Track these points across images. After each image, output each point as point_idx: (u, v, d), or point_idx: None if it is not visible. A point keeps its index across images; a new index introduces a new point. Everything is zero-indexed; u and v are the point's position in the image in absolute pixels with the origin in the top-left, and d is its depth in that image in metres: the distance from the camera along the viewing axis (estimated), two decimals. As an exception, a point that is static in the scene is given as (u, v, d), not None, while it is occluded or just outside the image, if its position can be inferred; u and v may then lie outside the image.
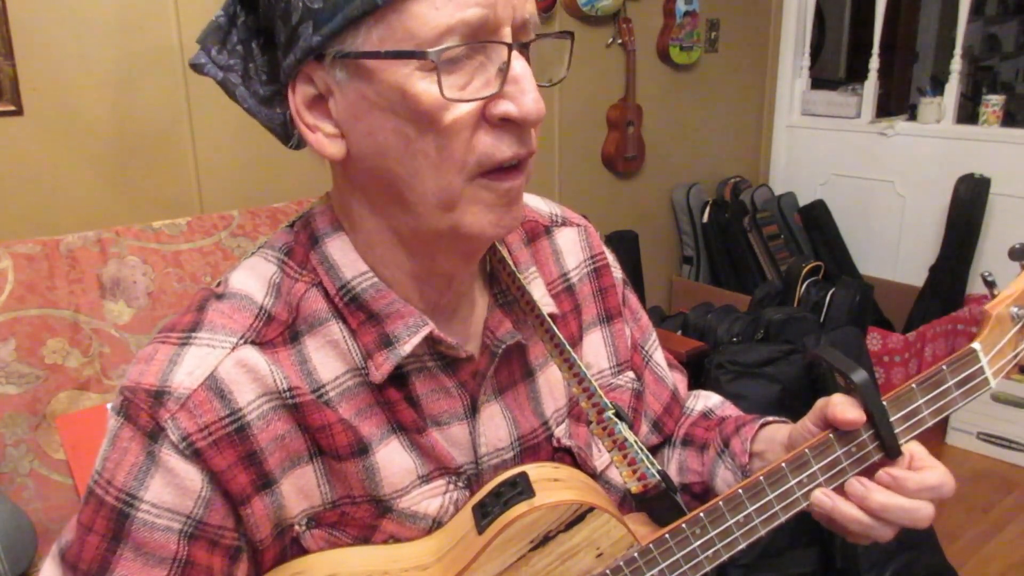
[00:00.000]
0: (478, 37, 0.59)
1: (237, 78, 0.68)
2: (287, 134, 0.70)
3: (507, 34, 0.60)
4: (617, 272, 0.89)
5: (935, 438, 2.86)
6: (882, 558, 1.96)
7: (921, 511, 0.69)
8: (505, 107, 0.60)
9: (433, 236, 0.66)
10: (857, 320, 2.92)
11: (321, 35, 0.59)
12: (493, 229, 0.64)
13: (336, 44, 0.60)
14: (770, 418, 0.85)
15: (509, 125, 0.61)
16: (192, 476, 0.63)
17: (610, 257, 0.89)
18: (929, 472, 0.70)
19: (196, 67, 0.68)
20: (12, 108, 1.83)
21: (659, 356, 0.93)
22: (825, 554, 2.00)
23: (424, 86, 0.58)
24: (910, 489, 0.69)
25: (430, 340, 0.69)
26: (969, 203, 3.13)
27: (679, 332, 2.70)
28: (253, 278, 0.69)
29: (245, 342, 0.66)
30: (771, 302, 2.91)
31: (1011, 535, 2.44)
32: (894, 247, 3.51)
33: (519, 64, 0.60)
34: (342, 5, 0.58)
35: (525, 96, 0.60)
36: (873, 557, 1.95)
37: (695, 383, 0.99)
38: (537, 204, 0.87)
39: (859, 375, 0.68)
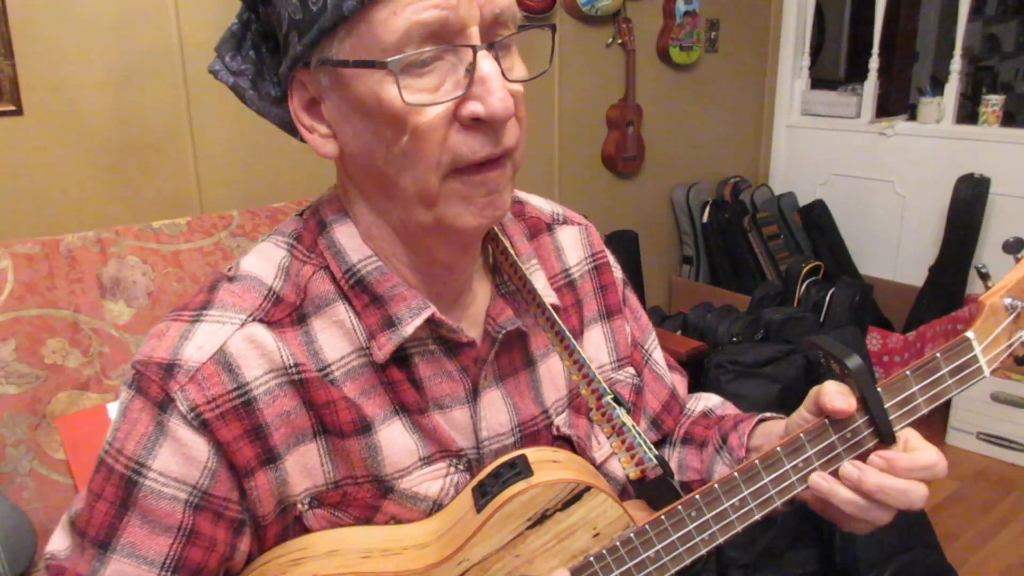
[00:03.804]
0: (441, 38, 0.61)
1: (247, 82, 0.71)
2: (295, 130, 0.72)
3: (474, 34, 0.61)
4: (617, 271, 0.91)
5: (935, 438, 2.86)
6: (882, 558, 1.96)
7: (915, 491, 0.69)
8: (473, 107, 0.62)
9: (422, 230, 0.68)
10: (857, 320, 2.92)
11: (303, 44, 0.63)
12: (476, 220, 0.66)
13: (317, 52, 0.63)
14: (768, 414, 0.86)
15: (481, 124, 0.63)
16: (199, 446, 0.65)
17: (610, 257, 0.91)
18: (921, 453, 0.71)
19: (212, 73, 0.71)
20: (12, 108, 1.84)
21: (658, 355, 0.94)
22: (825, 554, 2.00)
23: (394, 92, 0.61)
24: (902, 469, 0.69)
25: (432, 323, 0.71)
26: (969, 203, 3.13)
27: (679, 332, 2.70)
28: (263, 262, 0.72)
29: (254, 320, 0.68)
30: (771, 302, 2.91)
31: (1011, 535, 2.44)
32: (894, 247, 3.51)
33: (485, 64, 0.62)
34: (316, 16, 0.61)
35: (491, 96, 0.61)
36: (873, 557, 1.95)
37: (695, 383, 1.00)
38: (539, 203, 0.89)
39: (853, 361, 0.69)
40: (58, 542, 0.70)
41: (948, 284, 3.19)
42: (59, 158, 1.93)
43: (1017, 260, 0.76)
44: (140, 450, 0.65)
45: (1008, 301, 0.74)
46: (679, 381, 0.97)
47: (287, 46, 0.65)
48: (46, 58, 1.87)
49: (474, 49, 0.61)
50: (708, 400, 0.98)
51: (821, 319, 2.92)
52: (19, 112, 1.85)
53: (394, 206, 0.68)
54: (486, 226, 0.68)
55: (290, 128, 0.73)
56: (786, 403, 2.32)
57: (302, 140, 0.72)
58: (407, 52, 0.60)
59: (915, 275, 3.34)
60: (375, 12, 0.59)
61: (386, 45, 0.60)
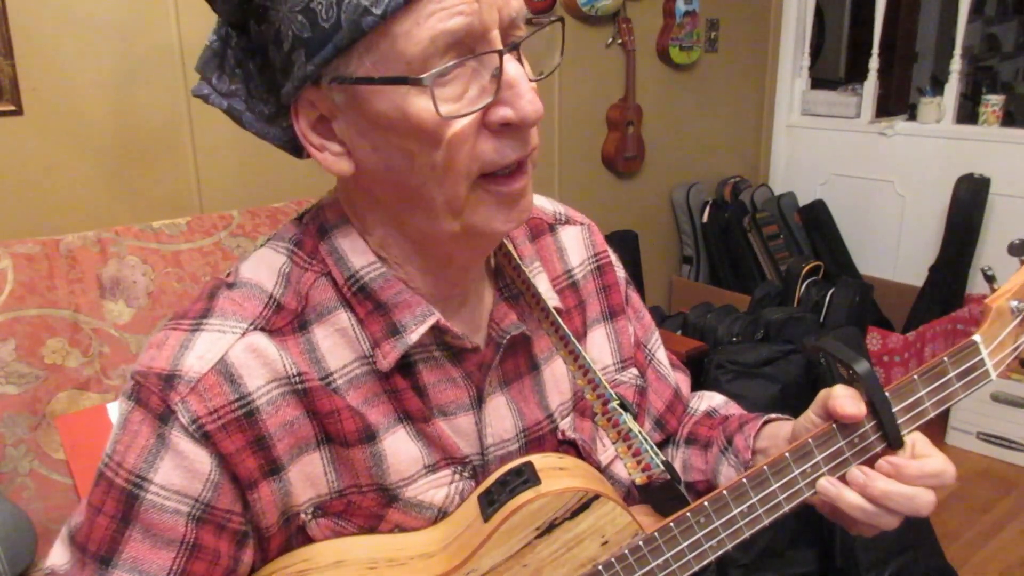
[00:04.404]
0: (465, 45, 0.59)
1: (241, 103, 0.69)
2: (297, 149, 0.71)
3: (496, 38, 0.60)
4: (620, 271, 0.90)
5: (935, 438, 2.85)
6: (882, 558, 1.96)
7: (922, 498, 0.69)
8: (503, 112, 0.61)
9: (447, 236, 0.67)
10: (857, 320, 2.92)
11: (314, 64, 0.60)
12: (503, 226, 0.66)
13: (330, 71, 0.61)
14: (773, 415, 0.85)
15: (509, 129, 0.62)
16: (201, 459, 0.64)
17: (613, 256, 0.90)
18: (930, 460, 0.70)
19: (201, 98, 0.69)
20: (12, 108, 1.83)
21: (661, 355, 0.94)
22: (825, 554, 2.00)
23: (422, 104, 0.59)
24: (910, 476, 0.69)
25: (436, 330, 0.70)
26: (969, 203, 3.13)
27: (679, 332, 2.70)
28: (263, 268, 0.71)
29: (255, 328, 0.67)
30: (771, 302, 2.91)
31: (1011, 535, 2.44)
32: (894, 247, 3.51)
33: (512, 67, 0.61)
34: (331, 34, 0.59)
35: (521, 99, 0.60)
36: (873, 557, 1.95)
37: (694, 383, 1.00)
38: (541, 203, 0.88)
39: (862, 366, 0.69)
40: (57, 556, 0.69)
41: (948, 284, 3.19)
42: (59, 158, 1.93)
43: (1022, 262, 0.75)
44: (141, 463, 0.63)
45: (1015, 304, 0.73)
46: (682, 380, 0.96)
47: (290, 65, 0.62)
48: (46, 58, 1.87)
49: (500, 53, 0.60)
50: (711, 399, 0.97)
51: (821, 319, 2.92)
52: (19, 112, 1.85)
53: (417, 217, 0.66)
54: (513, 229, 0.68)
55: (291, 147, 0.71)
56: (786, 403, 2.32)
57: (305, 158, 0.70)
58: (435, 64, 0.58)
59: (915, 275, 3.34)
60: (396, 25, 0.57)
61: (410, 58, 0.58)
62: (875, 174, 3.52)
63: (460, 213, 0.64)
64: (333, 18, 0.58)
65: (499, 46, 0.60)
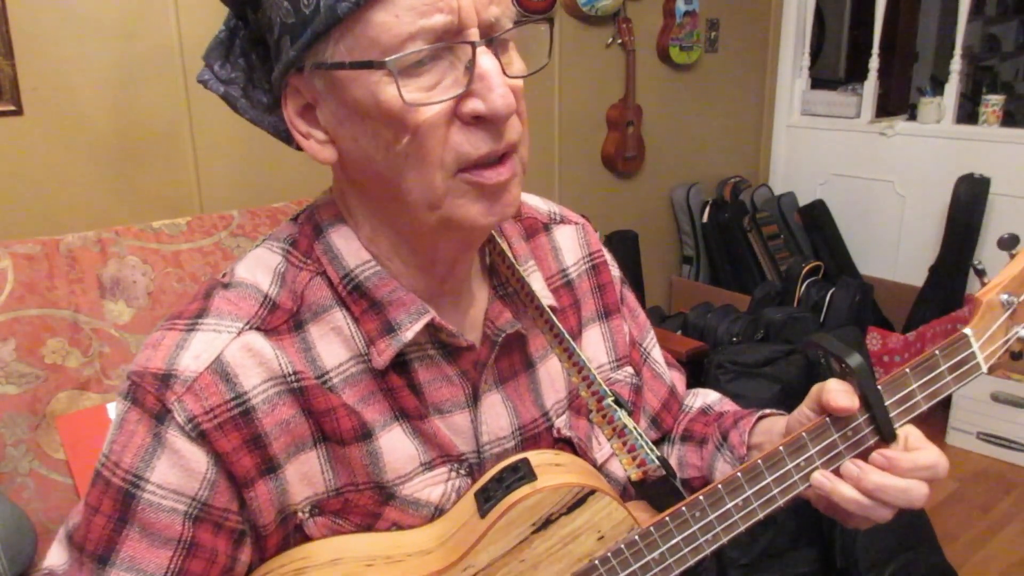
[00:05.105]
0: (443, 40, 0.60)
1: (238, 91, 0.70)
2: (291, 138, 0.71)
3: (473, 34, 0.61)
4: (615, 270, 0.91)
5: (935, 438, 2.85)
6: (882, 558, 1.96)
7: (915, 490, 0.70)
8: (473, 105, 0.61)
9: (429, 230, 0.67)
10: (857, 320, 2.92)
11: (295, 49, 0.62)
12: (484, 219, 0.66)
13: (311, 56, 0.63)
14: (767, 411, 0.86)
15: (482, 122, 0.62)
16: (198, 458, 0.64)
17: (607, 255, 0.90)
18: (922, 452, 0.71)
19: (201, 83, 0.71)
20: (12, 108, 1.84)
21: (657, 353, 0.94)
22: (825, 554, 2.00)
23: (392, 91, 0.60)
24: (903, 468, 0.70)
25: (432, 328, 0.71)
26: (969, 203, 3.13)
27: (679, 332, 2.70)
28: (259, 268, 0.71)
29: (251, 328, 0.67)
30: (771, 302, 2.91)
31: (1011, 535, 2.44)
32: (894, 247, 3.51)
33: (485, 60, 0.61)
34: (310, 19, 0.60)
35: (492, 93, 0.61)
36: (873, 557, 1.95)
37: (695, 383, 1.00)
38: (536, 203, 0.89)
39: (855, 359, 0.70)
40: (55, 556, 0.69)
41: (948, 284, 3.19)
42: (59, 158, 1.93)
43: (1012, 256, 0.76)
44: (138, 462, 0.64)
45: (1004, 297, 0.74)
46: (678, 378, 0.97)
47: (279, 51, 0.64)
48: (46, 58, 1.87)
49: (473, 45, 0.61)
50: (706, 396, 0.98)
51: (821, 319, 2.92)
52: (19, 112, 1.85)
53: (398, 209, 0.67)
54: (495, 224, 0.68)
55: (284, 136, 0.72)
56: (786, 403, 2.30)
57: (297, 148, 0.70)
58: (405, 51, 0.59)
59: (915, 275, 3.34)
60: (372, 14, 0.59)
61: (385, 46, 0.59)
62: (875, 174, 3.52)
63: (438, 206, 0.64)
64: (313, 4, 0.60)
65: (475, 39, 0.61)
